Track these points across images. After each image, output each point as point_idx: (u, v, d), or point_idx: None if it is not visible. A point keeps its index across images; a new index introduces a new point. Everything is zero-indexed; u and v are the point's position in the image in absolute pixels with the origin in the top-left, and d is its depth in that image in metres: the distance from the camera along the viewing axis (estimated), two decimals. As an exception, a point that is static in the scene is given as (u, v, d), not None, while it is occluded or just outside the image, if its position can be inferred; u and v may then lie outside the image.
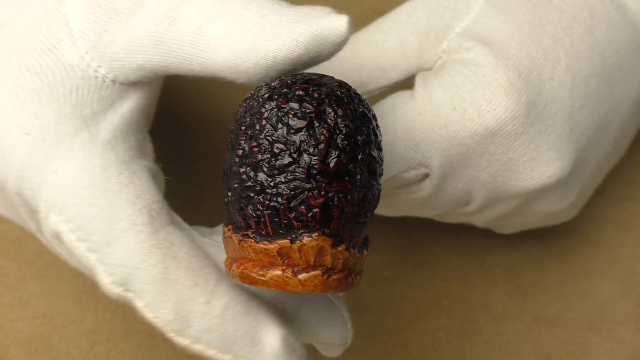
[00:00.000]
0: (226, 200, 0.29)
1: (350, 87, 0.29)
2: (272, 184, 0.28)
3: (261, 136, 0.28)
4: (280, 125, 0.28)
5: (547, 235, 0.43)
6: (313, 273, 0.28)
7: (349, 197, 0.28)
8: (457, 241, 0.44)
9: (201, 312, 0.30)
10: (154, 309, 0.30)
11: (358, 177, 0.28)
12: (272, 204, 0.28)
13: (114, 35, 0.30)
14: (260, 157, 0.28)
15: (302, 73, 0.30)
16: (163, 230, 0.31)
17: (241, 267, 0.29)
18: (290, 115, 0.28)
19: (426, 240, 0.44)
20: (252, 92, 0.30)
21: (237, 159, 0.29)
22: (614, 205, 0.45)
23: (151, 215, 0.30)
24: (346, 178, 0.28)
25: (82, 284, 0.43)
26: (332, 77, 0.29)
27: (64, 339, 0.42)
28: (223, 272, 0.31)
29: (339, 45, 0.30)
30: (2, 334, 0.42)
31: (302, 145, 0.28)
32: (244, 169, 0.28)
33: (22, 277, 0.43)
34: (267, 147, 0.28)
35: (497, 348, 0.43)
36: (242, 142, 0.29)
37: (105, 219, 0.30)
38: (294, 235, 0.28)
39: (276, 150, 0.28)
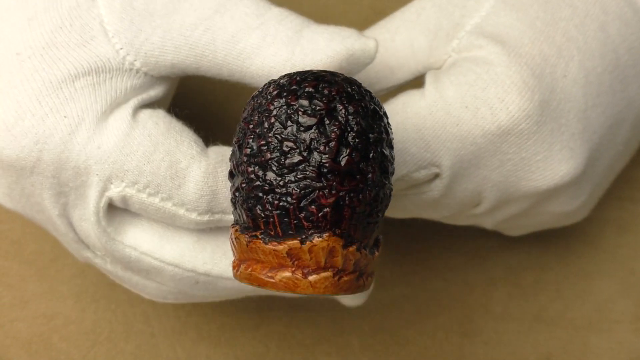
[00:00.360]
0: (233, 200, 0.29)
1: (361, 84, 0.29)
2: (281, 183, 0.27)
3: (270, 134, 0.27)
4: (289, 123, 0.27)
5: (547, 235, 0.43)
6: (323, 274, 0.28)
7: (360, 196, 0.27)
8: (457, 241, 0.44)
9: None
10: None
11: (370, 175, 0.28)
12: (281, 203, 0.27)
13: (149, 34, 0.32)
14: (269, 155, 0.27)
15: (311, 70, 0.29)
16: (209, 150, 0.33)
17: (249, 269, 0.28)
18: (300, 113, 0.27)
19: (426, 240, 0.44)
20: (260, 89, 0.29)
21: (245, 158, 0.28)
22: (614, 205, 0.45)
23: (197, 143, 0.33)
24: (358, 177, 0.27)
25: (82, 284, 0.43)
26: (341, 74, 0.29)
27: (64, 339, 0.42)
28: None
29: (367, 65, 0.33)
30: (2, 334, 0.42)
31: (313, 143, 0.27)
32: (252, 168, 0.28)
33: (22, 277, 0.43)
34: (276, 145, 0.27)
35: (497, 348, 0.43)
36: (250, 140, 0.28)
37: (168, 167, 0.32)
38: (304, 236, 0.27)
39: (285, 149, 0.27)
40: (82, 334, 0.42)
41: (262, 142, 0.27)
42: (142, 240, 0.33)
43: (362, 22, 0.42)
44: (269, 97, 0.28)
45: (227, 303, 0.43)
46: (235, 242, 0.29)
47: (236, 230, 0.29)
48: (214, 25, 0.32)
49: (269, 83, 0.29)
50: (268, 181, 0.27)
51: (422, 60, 0.36)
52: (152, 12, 0.32)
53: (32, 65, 0.31)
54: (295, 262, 0.28)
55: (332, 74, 0.28)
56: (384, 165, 0.28)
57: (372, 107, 0.28)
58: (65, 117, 0.31)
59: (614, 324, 0.44)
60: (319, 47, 0.32)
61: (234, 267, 0.29)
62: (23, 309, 0.42)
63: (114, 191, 0.32)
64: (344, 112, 0.27)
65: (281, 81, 0.28)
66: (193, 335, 0.43)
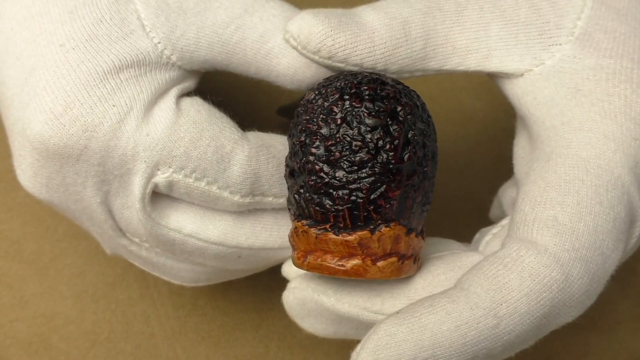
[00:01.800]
0: (297, 197, 0.31)
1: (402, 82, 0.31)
2: (351, 179, 0.30)
3: (338, 135, 0.30)
4: (355, 124, 0.30)
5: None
6: (390, 260, 0.30)
7: (419, 187, 0.30)
8: (457, 240, 0.44)
9: None
10: (281, 197, 0.34)
11: (426, 168, 0.30)
12: (352, 198, 0.30)
13: (184, 30, 0.33)
14: (338, 155, 0.30)
15: (358, 73, 0.31)
16: (248, 133, 0.34)
17: (319, 259, 0.30)
18: (365, 115, 0.30)
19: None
20: (314, 94, 0.31)
21: (312, 158, 0.30)
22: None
23: (237, 128, 0.33)
24: (418, 170, 0.30)
25: (82, 284, 0.43)
26: (385, 75, 0.31)
27: (63, 339, 0.42)
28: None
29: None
30: (2, 334, 0.42)
31: (379, 142, 0.29)
32: (321, 166, 0.30)
33: (22, 277, 0.43)
34: (345, 145, 0.30)
35: (497, 348, 0.43)
36: (317, 141, 0.30)
37: (213, 152, 0.32)
38: (372, 226, 0.30)
39: (355, 148, 0.29)
40: (82, 334, 0.42)
41: (330, 143, 0.30)
42: (185, 223, 0.34)
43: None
44: (330, 99, 0.30)
45: (227, 303, 0.43)
46: (300, 235, 0.31)
47: (303, 224, 0.31)
48: (244, 25, 0.33)
49: (322, 86, 0.31)
50: (338, 178, 0.30)
51: (497, 52, 0.33)
52: (185, 10, 0.33)
53: (77, 56, 0.31)
54: (365, 251, 0.30)
55: (379, 75, 0.31)
56: (435, 157, 0.31)
57: (419, 103, 0.31)
58: (114, 105, 0.31)
59: (615, 324, 0.44)
60: None
61: (298, 258, 0.31)
62: (23, 309, 0.42)
63: (161, 177, 0.32)
64: (403, 113, 0.30)
65: (338, 84, 0.31)
66: (193, 335, 0.43)
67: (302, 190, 0.31)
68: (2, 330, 0.42)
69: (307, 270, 0.31)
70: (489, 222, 0.39)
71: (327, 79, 0.31)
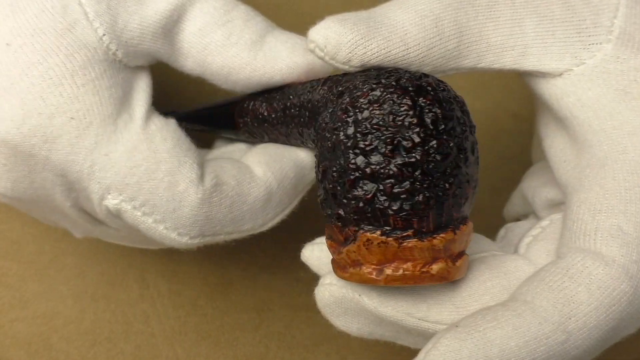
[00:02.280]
0: (369, 208, 0.28)
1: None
2: (440, 184, 0.28)
3: (426, 147, 0.28)
4: (437, 133, 0.28)
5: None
6: (464, 257, 0.29)
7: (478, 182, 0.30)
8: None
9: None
10: (233, 234, 0.34)
11: (479, 164, 0.30)
12: (439, 200, 0.28)
13: (126, 21, 0.31)
14: (424, 158, 0.28)
15: (396, 76, 0.29)
16: (205, 170, 0.33)
17: (400, 270, 0.28)
18: (442, 125, 0.28)
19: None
20: (363, 105, 0.28)
21: (395, 170, 0.28)
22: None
23: (199, 165, 0.32)
24: (479, 165, 0.30)
25: (82, 284, 0.43)
26: (425, 75, 0.29)
27: (63, 339, 0.42)
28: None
29: (329, 73, 0.32)
30: (2, 334, 0.42)
31: (462, 144, 0.29)
32: (408, 173, 0.28)
33: (22, 277, 0.43)
34: (434, 152, 0.28)
35: (497, 348, 0.43)
36: (395, 146, 0.28)
37: (166, 188, 0.31)
38: (453, 226, 0.29)
39: (445, 154, 0.28)
40: (81, 334, 0.42)
41: (418, 154, 0.28)
42: None
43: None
44: (399, 103, 0.28)
45: (227, 303, 0.43)
46: (373, 248, 0.29)
47: (379, 235, 0.28)
48: (184, 16, 0.32)
49: (381, 86, 0.29)
50: (427, 183, 0.28)
51: (534, 50, 0.31)
52: None
53: (27, 58, 0.30)
54: (447, 252, 0.29)
55: (420, 78, 0.29)
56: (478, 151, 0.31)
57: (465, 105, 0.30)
58: (72, 118, 0.30)
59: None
60: (281, 57, 0.33)
61: (370, 274, 0.29)
62: (23, 309, 0.42)
63: (111, 202, 0.31)
64: (463, 118, 0.29)
65: (403, 83, 0.28)
66: (193, 335, 0.43)
67: (382, 199, 0.28)
68: (2, 330, 0.42)
69: (385, 284, 0.29)
70: (489, 222, 0.39)
71: (383, 83, 0.29)
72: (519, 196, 0.36)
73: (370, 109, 0.28)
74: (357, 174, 0.28)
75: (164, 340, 0.43)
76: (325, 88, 0.31)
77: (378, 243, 0.28)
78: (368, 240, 0.28)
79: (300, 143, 0.34)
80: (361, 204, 0.28)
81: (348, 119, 0.28)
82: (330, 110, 0.29)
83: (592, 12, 0.31)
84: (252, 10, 0.33)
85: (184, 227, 0.32)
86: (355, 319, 0.31)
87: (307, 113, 0.32)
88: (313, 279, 0.43)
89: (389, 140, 0.28)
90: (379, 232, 0.28)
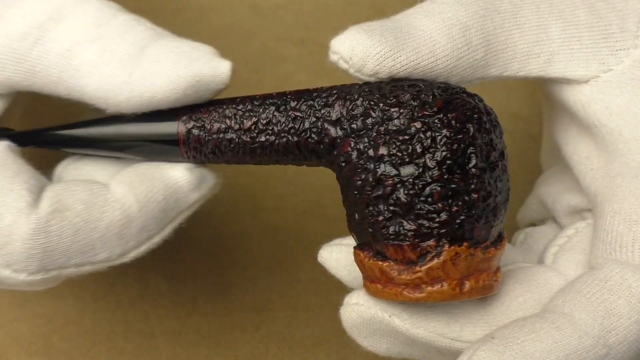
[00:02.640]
0: (458, 220, 0.28)
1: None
2: (502, 189, 0.29)
3: (501, 162, 0.29)
4: (487, 151, 0.28)
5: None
6: (500, 269, 0.30)
7: None
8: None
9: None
10: (85, 265, 0.31)
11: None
12: (505, 209, 0.29)
13: None
14: (497, 165, 0.28)
15: (425, 84, 0.29)
16: (43, 196, 0.29)
17: (480, 281, 0.28)
18: (493, 145, 0.29)
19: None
20: (428, 121, 0.28)
21: (485, 182, 0.28)
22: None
23: (31, 191, 0.29)
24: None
25: (82, 284, 0.43)
26: (459, 89, 0.29)
27: (63, 339, 0.42)
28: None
29: (218, 92, 0.29)
30: (2, 334, 0.42)
31: (500, 163, 0.29)
32: (490, 181, 0.28)
33: (22, 277, 0.43)
34: (498, 155, 0.29)
35: (497, 348, 0.43)
36: (476, 158, 0.28)
37: None
38: (500, 232, 0.29)
39: (503, 158, 0.29)
40: (82, 334, 0.42)
41: (488, 155, 0.28)
42: None
43: (362, 22, 0.42)
44: (454, 128, 0.28)
45: (227, 303, 0.43)
46: (460, 261, 0.28)
47: (466, 248, 0.28)
48: (47, 36, 0.29)
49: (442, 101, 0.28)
50: (499, 190, 0.28)
51: (559, 55, 0.30)
52: None
53: None
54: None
55: (453, 98, 0.28)
56: None
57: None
58: None
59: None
60: (162, 70, 0.29)
61: (453, 289, 0.28)
62: (23, 309, 0.42)
63: None
64: (497, 138, 0.29)
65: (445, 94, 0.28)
66: (193, 335, 0.43)
67: (467, 210, 0.28)
68: (2, 330, 0.42)
69: (467, 297, 0.28)
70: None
71: (422, 98, 0.28)
72: (535, 201, 0.35)
73: (448, 132, 0.28)
74: (443, 186, 0.27)
75: (164, 340, 0.43)
76: (339, 109, 0.29)
77: (466, 256, 0.28)
78: (457, 254, 0.28)
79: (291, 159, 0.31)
80: (445, 217, 0.28)
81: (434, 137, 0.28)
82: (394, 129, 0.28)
83: (618, 16, 0.30)
84: (135, 19, 0.30)
85: (18, 262, 0.28)
86: (384, 339, 0.30)
87: (321, 146, 0.29)
88: (313, 279, 0.43)
89: (469, 155, 0.28)
90: (466, 244, 0.28)
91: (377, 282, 0.29)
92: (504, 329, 0.28)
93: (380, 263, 0.28)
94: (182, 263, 0.43)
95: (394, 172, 0.28)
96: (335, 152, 0.29)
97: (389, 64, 0.28)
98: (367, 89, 0.29)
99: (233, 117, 0.30)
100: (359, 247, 0.29)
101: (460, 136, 0.28)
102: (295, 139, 0.29)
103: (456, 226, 0.28)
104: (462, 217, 0.28)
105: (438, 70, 0.29)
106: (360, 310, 0.30)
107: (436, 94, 0.28)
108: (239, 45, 0.42)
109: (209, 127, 0.30)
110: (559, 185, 0.34)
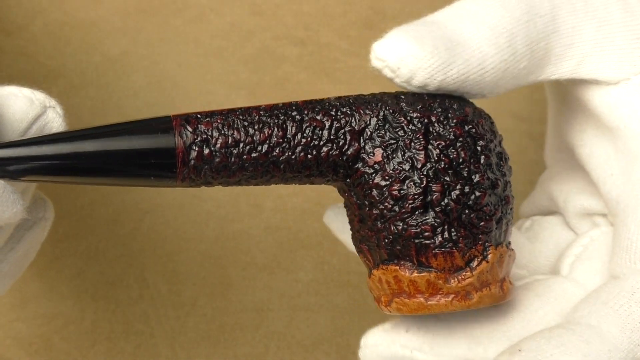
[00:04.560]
0: (497, 222, 0.28)
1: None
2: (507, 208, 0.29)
3: (490, 171, 0.29)
4: (495, 159, 0.29)
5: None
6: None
7: None
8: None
9: None
10: None
11: None
12: (508, 214, 0.29)
13: None
14: (503, 187, 0.29)
15: (454, 110, 0.28)
16: None
17: (510, 280, 0.29)
18: (501, 152, 0.29)
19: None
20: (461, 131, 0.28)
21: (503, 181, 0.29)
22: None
23: None
24: None
25: (82, 284, 0.43)
26: (464, 104, 0.29)
27: (64, 339, 0.42)
28: None
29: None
30: (2, 334, 0.42)
31: (504, 169, 0.29)
32: (505, 185, 0.29)
33: (22, 277, 0.43)
34: (502, 164, 0.29)
35: (497, 348, 0.43)
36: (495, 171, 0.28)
37: None
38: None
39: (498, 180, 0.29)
40: (82, 334, 0.42)
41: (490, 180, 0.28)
42: None
43: (362, 22, 0.42)
44: (482, 131, 0.28)
45: (227, 303, 0.43)
46: (503, 262, 0.28)
47: (507, 247, 0.28)
48: None
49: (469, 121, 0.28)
50: (504, 203, 0.29)
51: (591, 57, 0.30)
52: None
53: None
54: None
55: (460, 111, 0.29)
56: None
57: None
58: None
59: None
60: None
61: (500, 293, 0.28)
62: (23, 309, 0.42)
63: None
64: (496, 143, 0.29)
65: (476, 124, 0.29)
66: (192, 335, 0.43)
67: (503, 210, 0.28)
68: (2, 330, 0.42)
69: (508, 298, 0.28)
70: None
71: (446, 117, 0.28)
72: (545, 197, 0.35)
73: (491, 137, 0.29)
74: (485, 190, 0.28)
75: (163, 340, 0.43)
76: (363, 119, 0.28)
77: (507, 256, 0.28)
78: (501, 255, 0.28)
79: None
80: (489, 220, 0.28)
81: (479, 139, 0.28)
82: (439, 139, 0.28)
83: None
84: None
85: None
86: None
87: (343, 158, 0.28)
88: (312, 279, 0.43)
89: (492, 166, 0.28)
90: (505, 245, 0.28)
91: (417, 297, 0.28)
92: (530, 341, 0.27)
93: (427, 274, 0.27)
94: (182, 263, 0.43)
95: (440, 178, 0.27)
96: (359, 165, 0.28)
97: (439, 78, 0.27)
98: (394, 99, 0.28)
99: (242, 129, 0.27)
100: (387, 263, 0.28)
101: (493, 140, 0.29)
102: (314, 152, 0.27)
103: (497, 229, 0.28)
104: (502, 220, 0.28)
105: (485, 83, 0.28)
106: (380, 350, 0.29)
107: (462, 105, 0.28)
108: (239, 45, 0.42)
109: (214, 142, 0.26)
110: (572, 184, 0.33)
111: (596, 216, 0.32)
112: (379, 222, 0.27)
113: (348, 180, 0.28)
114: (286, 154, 0.27)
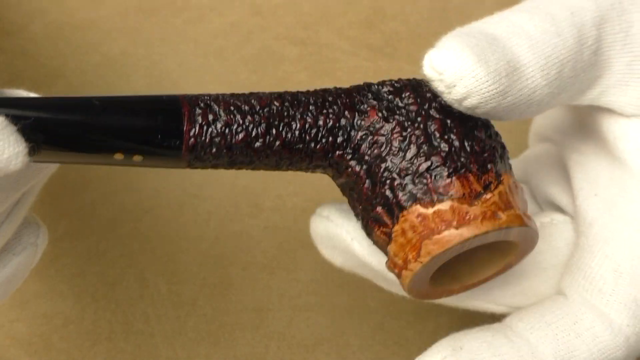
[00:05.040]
0: (486, 156, 0.29)
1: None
2: None
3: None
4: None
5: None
6: None
7: None
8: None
9: None
10: None
11: None
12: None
13: None
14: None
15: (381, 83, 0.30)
16: None
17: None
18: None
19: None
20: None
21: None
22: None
23: None
24: None
25: (82, 284, 0.43)
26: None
27: (64, 339, 0.42)
28: None
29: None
30: (2, 334, 0.42)
31: None
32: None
33: (22, 277, 0.43)
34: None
35: (497, 348, 0.43)
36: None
37: None
38: None
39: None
40: (82, 334, 0.42)
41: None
42: None
43: (362, 22, 0.42)
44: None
45: (227, 303, 0.43)
46: (512, 190, 0.29)
47: (509, 177, 0.29)
48: None
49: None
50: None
51: (614, 89, 0.29)
52: None
53: None
54: None
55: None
56: None
57: None
58: None
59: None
60: None
61: (522, 215, 0.28)
62: (23, 309, 0.42)
63: None
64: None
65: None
66: (192, 335, 0.43)
67: (502, 147, 0.29)
68: (2, 330, 0.42)
69: (529, 225, 0.28)
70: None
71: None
72: (519, 167, 0.35)
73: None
74: (484, 125, 0.29)
75: (163, 340, 0.43)
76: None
77: (518, 184, 0.29)
78: (513, 181, 0.29)
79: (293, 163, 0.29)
80: (494, 146, 0.29)
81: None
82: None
83: None
84: None
85: None
86: (341, 255, 0.31)
87: (340, 138, 0.29)
88: (312, 279, 0.43)
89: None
90: (511, 173, 0.29)
91: (446, 228, 0.28)
92: (473, 341, 0.29)
93: (449, 201, 0.27)
94: (182, 263, 0.43)
95: (436, 117, 0.28)
96: (358, 127, 0.29)
97: (493, 104, 0.27)
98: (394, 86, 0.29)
99: (249, 112, 0.28)
100: (407, 206, 0.28)
101: None
102: (315, 122, 0.29)
103: (501, 157, 0.29)
104: (504, 148, 0.29)
105: (527, 113, 0.28)
106: (329, 226, 0.30)
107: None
108: (239, 45, 0.42)
109: (224, 120, 0.28)
110: (546, 173, 0.33)
111: (560, 210, 0.33)
112: (389, 172, 0.28)
113: (348, 149, 0.29)
114: (288, 133, 0.28)
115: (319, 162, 0.29)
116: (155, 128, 0.26)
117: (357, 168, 0.29)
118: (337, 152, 0.29)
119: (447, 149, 0.28)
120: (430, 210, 0.28)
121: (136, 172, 0.42)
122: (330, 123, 0.29)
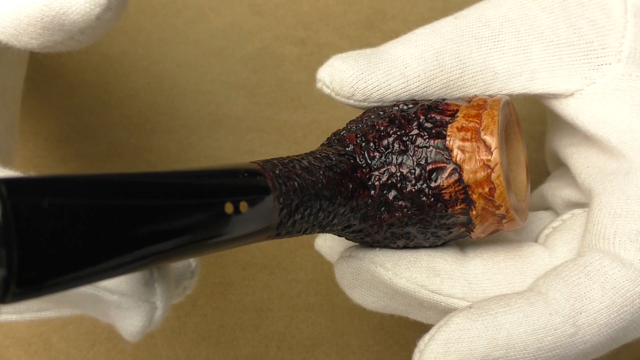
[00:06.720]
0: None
1: None
2: None
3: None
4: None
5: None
6: None
7: None
8: (457, 241, 0.44)
9: None
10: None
11: None
12: None
13: None
14: None
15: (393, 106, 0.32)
16: None
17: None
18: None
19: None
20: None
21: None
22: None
23: None
24: None
25: (82, 284, 0.43)
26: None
27: (63, 339, 0.42)
28: None
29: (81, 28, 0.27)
30: (2, 334, 0.42)
31: None
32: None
33: (22, 277, 0.43)
34: None
35: (497, 348, 0.43)
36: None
37: None
38: None
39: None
40: (82, 334, 0.42)
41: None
42: None
43: (362, 22, 0.42)
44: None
45: (226, 303, 0.43)
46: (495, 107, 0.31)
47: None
48: None
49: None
50: None
51: (541, 73, 0.32)
52: None
53: None
54: None
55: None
56: None
57: None
58: None
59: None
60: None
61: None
62: (23, 309, 0.42)
63: None
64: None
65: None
66: (192, 335, 0.43)
67: None
68: (2, 330, 0.42)
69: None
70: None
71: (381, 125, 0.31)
72: (537, 195, 0.37)
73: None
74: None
75: (163, 340, 0.43)
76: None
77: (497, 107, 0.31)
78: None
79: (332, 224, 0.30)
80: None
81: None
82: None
83: (599, 34, 0.32)
84: None
85: None
86: (370, 291, 0.32)
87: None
88: (312, 279, 0.43)
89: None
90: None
91: (478, 115, 0.30)
92: (484, 301, 0.30)
93: (472, 122, 0.30)
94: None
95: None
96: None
97: (361, 86, 0.31)
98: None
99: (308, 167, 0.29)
100: (452, 126, 0.31)
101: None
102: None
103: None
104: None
105: (411, 90, 0.31)
106: (351, 262, 0.32)
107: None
108: (239, 45, 0.42)
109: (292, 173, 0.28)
110: (560, 181, 0.36)
111: (582, 204, 0.34)
112: (395, 143, 0.31)
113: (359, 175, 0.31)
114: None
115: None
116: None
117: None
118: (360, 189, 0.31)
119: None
120: (463, 111, 0.31)
121: (135, 169, 0.42)
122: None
